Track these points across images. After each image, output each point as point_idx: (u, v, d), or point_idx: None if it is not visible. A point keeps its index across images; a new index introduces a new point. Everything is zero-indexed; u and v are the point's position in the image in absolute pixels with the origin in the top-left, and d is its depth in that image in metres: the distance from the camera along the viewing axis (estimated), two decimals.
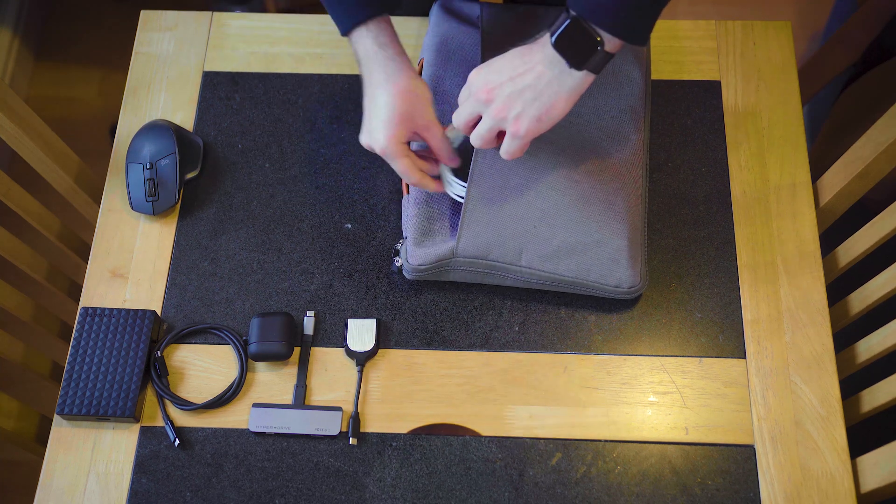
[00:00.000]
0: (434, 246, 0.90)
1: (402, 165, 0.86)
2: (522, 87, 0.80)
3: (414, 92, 0.85)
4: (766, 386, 0.89)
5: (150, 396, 0.90)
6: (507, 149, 0.83)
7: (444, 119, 0.94)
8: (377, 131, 0.85)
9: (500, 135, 0.84)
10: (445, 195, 0.92)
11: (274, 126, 1.03)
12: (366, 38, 0.85)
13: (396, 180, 0.99)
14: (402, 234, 0.95)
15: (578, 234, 0.89)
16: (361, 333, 0.91)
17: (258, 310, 0.93)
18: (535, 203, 0.90)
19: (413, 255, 0.90)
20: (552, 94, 0.79)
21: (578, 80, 0.79)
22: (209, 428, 0.88)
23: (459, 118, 0.86)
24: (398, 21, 1.08)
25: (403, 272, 0.92)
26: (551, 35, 0.78)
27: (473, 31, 1.01)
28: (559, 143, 0.91)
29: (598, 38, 0.77)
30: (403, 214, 0.94)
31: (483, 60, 0.95)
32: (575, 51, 0.77)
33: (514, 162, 0.90)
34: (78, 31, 2.02)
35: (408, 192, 0.93)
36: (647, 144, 0.96)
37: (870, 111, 1.41)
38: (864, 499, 0.87)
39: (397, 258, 0.92)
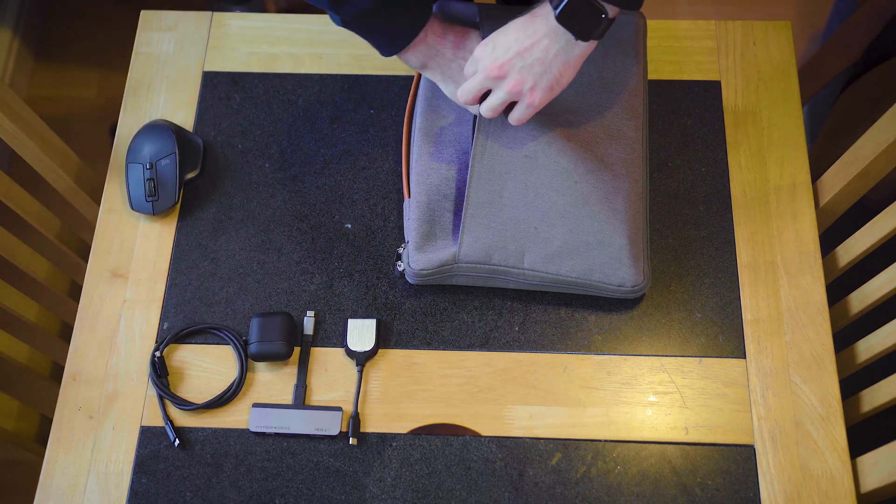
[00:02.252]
0: (436, 251, 0.90)
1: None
2: (532, 61, 0.81)
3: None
4: (766, 386, 0.89)
5: (150, 396, 0.90)
6: (520, 116, 0.85)
7: (448, 115, 0.94)
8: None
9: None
10: (447, 199, 0.91)
11: (274, 126, 1.03)
12: (419, 52, 0.87)
13: (397, 181, 0.99)
14: (403, 237, 0.95)
15: (580, 234, 0.89)
16: (361, 333, 0.91)
17: (258, 310, 0.93)
18: (536, 204, 0.90)
19: (415, 259, 0.90)
20: (560, 64, 0.81)
21: (584, 48, 0.81)
22: (209, 428, 0.88)
23: (468, 93, 0.86)
24: None
25: (406, 277, 0.92)
26: (554, 9, 0.79)
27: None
28: (559, 144, 0.91)
29: (602, 7, 0.78)
30: (405, 219, 0.94)
31: None
32: (580, 23, 0.79)
33: (513, 165, 0.90)
34: (78, 31, 2.02)
35: (408, 196, 0.93)
36: (647, 143, 0.96)
37: (870, 111, 1.41)
38: (864, 499, 0.87)
39: (399, 262, 0.92)
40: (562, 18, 0.78)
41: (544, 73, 0.81)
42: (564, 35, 0.80)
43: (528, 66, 0.81)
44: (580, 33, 0.79)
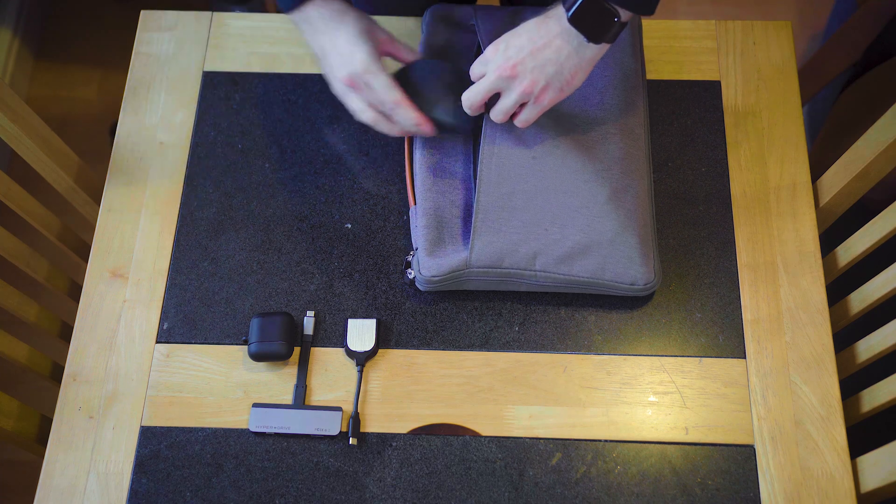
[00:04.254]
0: (446, 256, 0.89)
1: (385, 81, 0.86)
2: (544, 61, 0.82)
3: (360, 14, 0.88)
4: (766, 386, 0.89)
5: (150, 396, 0.90)
6: (527, 117, 0.86)
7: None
8: (352, 54, 0.85)
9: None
10: (454, 205, 0.91)
11: (274, 126, 1.03)
12: (310, 9, 0.87)
13: (397, 181, 0.99)
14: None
15: (591, 233, 0.89)
16: (361, 333, 0.91)
17: (258, 310, 0.93)
18: (545, 206, 0.89)
19: (426, 266, 0.89)
20: (572, 66, 0.82)
21: (595, 50, 0.82)
22: (209, 428, 0.88)
23: (477, 94, 0.86)
24: (396, 21, 1.08)
25: (416, 284, 0.92)
26: (567, 11, 0.79)
27: (466, 36, 1.00)
28: (565, 144, 0.91)
29: (615, 11, 0.79)
30: (412, 226, 0.93)
31: None
32: (592, 26, 0.80)
33: (521, 168, 0.90)
34: (78, 31, 2.02)
35: (414, 203, 0.93)
36: (649, 138, 0.97)
37: (870, 111, 1.41)
38: (864, 499, 0.87)
39: (409, 271, 0.92)
40: (574, 20, 0.79)
41: (556, 73, 0.82)
42: (577, 37, 0.80)
43: (540, 66, 0.82)
44: (592, 35, 0.80)
